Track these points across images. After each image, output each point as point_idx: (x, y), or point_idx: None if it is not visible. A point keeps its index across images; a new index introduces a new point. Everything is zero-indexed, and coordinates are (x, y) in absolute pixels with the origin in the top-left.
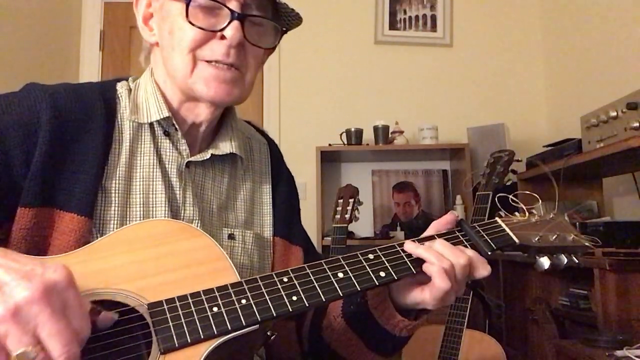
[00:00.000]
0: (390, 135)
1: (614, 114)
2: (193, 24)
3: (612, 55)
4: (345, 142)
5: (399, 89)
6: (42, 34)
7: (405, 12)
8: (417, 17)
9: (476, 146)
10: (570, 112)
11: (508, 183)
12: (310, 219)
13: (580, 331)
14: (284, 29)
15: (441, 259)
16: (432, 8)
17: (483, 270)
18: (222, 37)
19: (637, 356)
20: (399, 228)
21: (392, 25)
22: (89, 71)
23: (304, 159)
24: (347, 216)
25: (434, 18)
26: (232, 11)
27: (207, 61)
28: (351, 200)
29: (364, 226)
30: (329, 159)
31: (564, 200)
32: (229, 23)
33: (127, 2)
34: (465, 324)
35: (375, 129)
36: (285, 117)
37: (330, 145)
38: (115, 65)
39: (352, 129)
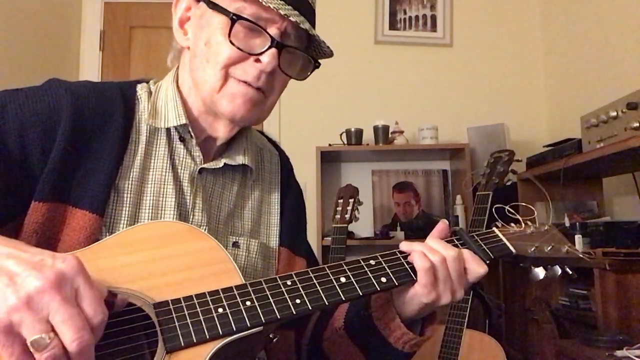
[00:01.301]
0: (390, 135)
1: (614, 114)
2: (233, 44)
3: (612, 55)
4: (345, 142)
5: (399, 89)
6: (42, 34)
7: (405, 12)
8: (417, 17)
9: (476, 146)
10: (570, 112)
11: (508, 183)
12: (310, 219)
13: (580, 331)
14: (317, 63)
15: (428, 248)
16: (432, 8)
17: (479, 268)
18: (257, 61)
19: (637, 356)
20: (399, 228)
21: (392, 25)
22: (89, 71)
23: (304, 159)
24: (347, 216)
25: (434, 18)
26: (272, 38)
27: (238, 80)
28: (351, 200)
29: (364, 226)
30: (329, 159)
31: (564, 200)
32: (267, 49)
33: (127, 2)
34: (465, 324)
35: (375, 129)
36: (285, 117)
37: (330, 145)
38: (115, 65)
39: (352, 129)
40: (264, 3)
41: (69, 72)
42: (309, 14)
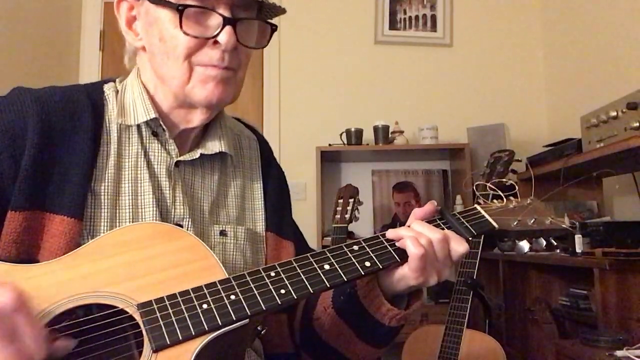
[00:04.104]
0: (390, 135)
1: (614, 114)
2: (187, 34)
3: (612, 55)
4: (345, 142)
5: (399, 89)
6: (42, 34)
7: (405, 12)
8: (417, 17)
9: (476, 146)
10: (570, 112)
11: (508, 183)
12: (310, 219)
13: (580, 331)
14: (274, 26)
15: (417, 233)
16: (432, 8)
17: (460, 247)
18: (216, 42)
19: (637, 356)
20: None
21: (392, 25)
22: (89, 71)
23: (304, 159)
24: (347, 216)
25: (434, 18)
26: (223, 17)
27: (204, 66)
28: (351, 200)
29: (364, 226)
30: (329, 159)
31: (564, 200)
32: (221, 29)
33: None
34: (465, 324)
35: (375, 129)
36: (285, 117)
37: (330, 145)
38: (115, 65)
39: (352, 129)
40: None
41: (69, 72)
42: None
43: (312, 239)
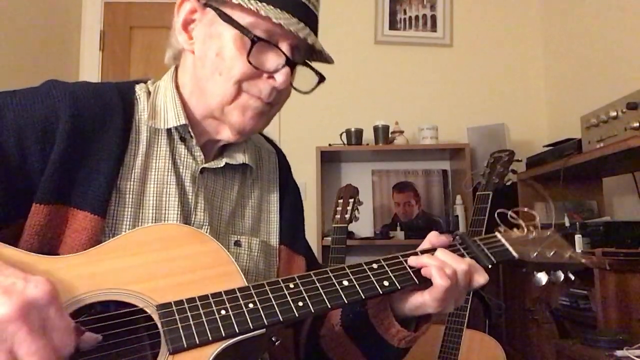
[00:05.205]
0: (390, 135)
1: (614, 114)
2: (250, 63)
3: (612, 55)
4: (345, 142)
5: (399, 89)
6: (42, 34)
7: (405, 12)
8: (417, 17)
9: (476, 146)
10: (570, 112)
11: (508, 183)
12: (310, 219)
13: (580, 331)
14: (323, 78)
15: (442, 263)
16: (432, 8)
17: (480, 278)
18: (270, 77)
19: (637, 356)
20: (399, 228)
21: (392, 25)
22: (89, 71)
23: (304, 159)
24: (347, 216)
25: (434, 18)
26: (286, 56)
27: (250, 94)
28: (351, 200)
29: (364, 226)
30: (329, 159)
31: (564, 200)
32: (282, 67)
33: (127, 2)
34: (465, 324)
35: (375, 129)
36: (285, 117)
37: (330, 145)
38: (115, 65)
39: (352, 129)
40: (274, 20)
41: (69, 72)
42: (314, 23)
43: (312, 239)
